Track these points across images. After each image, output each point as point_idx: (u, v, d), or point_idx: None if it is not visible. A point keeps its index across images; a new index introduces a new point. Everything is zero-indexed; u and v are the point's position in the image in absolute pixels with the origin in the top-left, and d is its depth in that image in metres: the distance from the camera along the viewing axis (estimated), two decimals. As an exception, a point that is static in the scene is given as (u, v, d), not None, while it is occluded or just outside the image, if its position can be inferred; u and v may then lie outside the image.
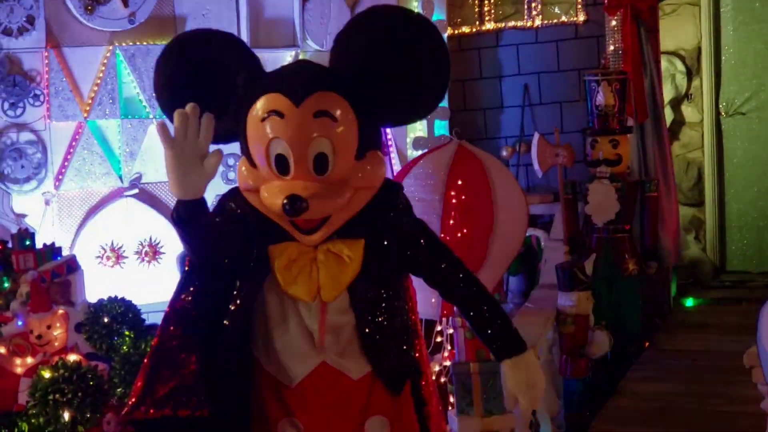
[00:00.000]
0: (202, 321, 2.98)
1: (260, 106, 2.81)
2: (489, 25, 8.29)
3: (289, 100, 2.77)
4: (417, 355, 3.15)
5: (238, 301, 2.95)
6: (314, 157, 2.78)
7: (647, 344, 7.05)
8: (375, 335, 2.92)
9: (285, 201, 2.72)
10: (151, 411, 2.92)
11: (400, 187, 3.03)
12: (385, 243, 2.91)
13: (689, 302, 8.03)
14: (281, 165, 2.81)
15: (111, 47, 6.01)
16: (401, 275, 3.05)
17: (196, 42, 2.98)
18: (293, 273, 2.86)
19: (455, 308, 3.28)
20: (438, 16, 7.28)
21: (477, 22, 8.32)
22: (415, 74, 2.83)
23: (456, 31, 8.21)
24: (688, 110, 8.80)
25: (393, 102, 2.87)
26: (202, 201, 2.78)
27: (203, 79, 2.93)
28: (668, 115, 8.50)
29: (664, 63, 8.37)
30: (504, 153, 8.13)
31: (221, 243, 2.91)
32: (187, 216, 2.76)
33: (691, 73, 8.75)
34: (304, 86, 2.79)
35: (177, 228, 2.81)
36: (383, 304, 2.92)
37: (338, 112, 2.78)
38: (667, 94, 8.50)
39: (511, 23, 8.23)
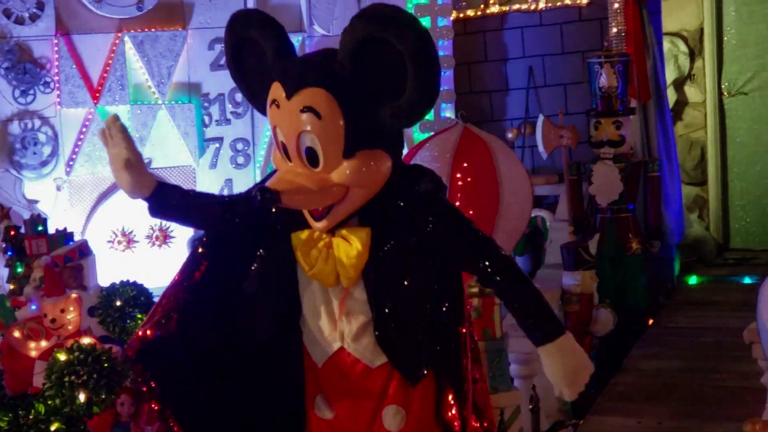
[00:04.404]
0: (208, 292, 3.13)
1: (270, 92, 2.89)
2: (494, 8, 8.33)
3: (284, 91, 2.84)
4: (445, 348, 3.02)
5: (257, 278, 3.05)
6: (304, 150, 2.84)
7: (651, 322, 7.11)
8: (389, 325, 2.93)
9: (255, 192, 2.80)
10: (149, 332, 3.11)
11: (420, 175, 2.96)
12: (398, 233, 2.90)
13: (692, 280, 8.09)
14: (286, 152, 2.90)
15: (120, 34, 6.07)
16: (422, 266, 2.95)
17: (235, 22, 3.03)
18: (312, 258, 2.93)
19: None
20: (443, -1, 7.35)
21: (482, 6, 8.36)
22: (402, 79, 2.74)
23: (461, 15, 8.25)
24: (690, 90, 8.84)
25: (383, 104, 2.80)
26: (157, 192, 2.95)
27: (245, 57, 3.03)
28: (671, 95, 8.54)
29: (666, 44, 8.40)
30: (509, 135, 8.18)
31: (226, 217, 3.07)
32: (154, 210, 2.97)
33: (694, 53, 8.79)
34: (295, 80, 2.83)
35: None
36: (399, 294, 2.92)
37: (324, 109, 2.79)
38: (670, 74, 8.55)
39: (516, 6, 8.27)
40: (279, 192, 2.79)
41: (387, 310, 2.92)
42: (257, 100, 3.00)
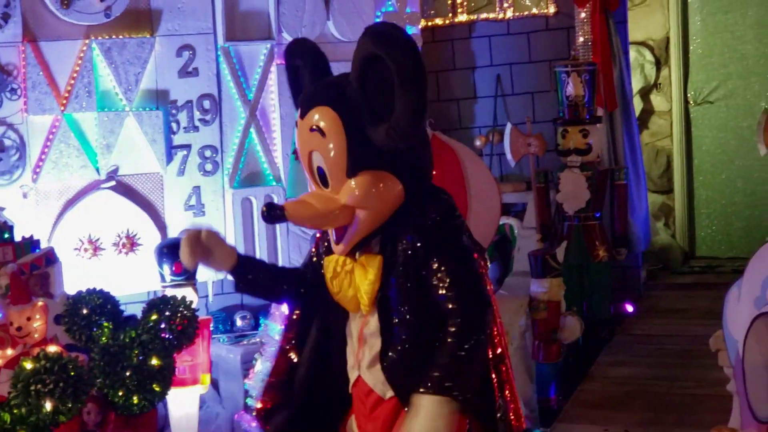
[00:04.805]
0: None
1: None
2: (462, 17, 8.36)
3: (300, 111, 2.92)
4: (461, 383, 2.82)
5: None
6: (317, 169, 2.89)
7: (618, 329, 7.16)
8: (394, 356, 2.90)
9: (263, 208, 2.87)
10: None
11: (433, 203, 2.91)
12: (403, 261, 2.88)
13: (659, 287, 8.15)
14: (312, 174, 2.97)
15: (87, 41, 6.03)
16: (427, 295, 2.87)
17: (287, 51, 3.12)
18: (338, 283, 2.98)
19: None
20: (412, 8, 7.36)
21: (450, 14, 8.39)
22: (390, 96, 2.73)
23: (429, 23, 8.28)
24: (657, 99, 8.93)
25: (380, 123, 2.78)
26: (239, 267, 3.08)
27: (298, 84, 3.08)
28: (637, 104, 8.62)
29: (633, 53, 8.48)
30: (477, 143, 8.21)
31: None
32: (238, 285, 3.12)
33: (660, 63, 8.88)
34: (307, 100, 2.90)
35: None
36: (406, 325, 2.88)
37: (328, 127, 2.82)
38: (636, 83, 8.63)
39: (484, 15, 8.30)
40: (284, 208, 2.85)
41: (394, 340, 2.90)
42: None
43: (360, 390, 3.03)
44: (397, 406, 2.94)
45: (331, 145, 2.83)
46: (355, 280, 2.93)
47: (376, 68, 2.75)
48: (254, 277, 3.13)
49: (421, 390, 2.76)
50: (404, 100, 2.72)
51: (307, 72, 3.01)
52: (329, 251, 3.03)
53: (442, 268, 2.83)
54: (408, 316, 2.88)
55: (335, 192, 2.86)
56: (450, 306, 2.82)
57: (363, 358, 2.99)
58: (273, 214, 2.85)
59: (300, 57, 3.06)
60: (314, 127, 2.85)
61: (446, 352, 2.78)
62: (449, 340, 2.79)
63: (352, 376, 3.05)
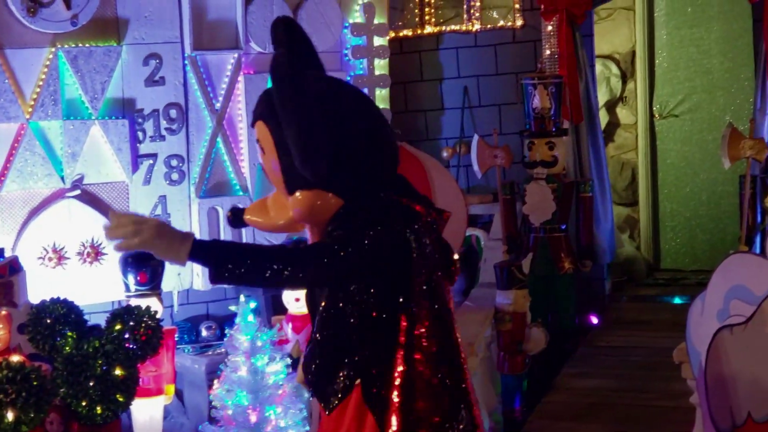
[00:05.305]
0: None
1: None
2: (429, 29, 8.39)
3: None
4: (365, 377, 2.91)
5: None
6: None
7: (582, 341, 7.19)
8: (313, 354, 2.97)
9: (228, 213, 3.00)
10: None
11: (352, 216, 2.89)
12: None
13: (623, 299, 8.19)
14: None
15: (54, 49, 6.00)
16: (347, 293, 2.90)
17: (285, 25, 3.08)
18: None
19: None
20: (380, 19, 7.37)
21: (418, 26, 8.41)
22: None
23: (397, 34, 8.30)
24: (622, 113, 8.99)
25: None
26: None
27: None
28: (603, 117, 8.67)
29: (599, 66, 8.53)
30: (444, 154, 8.23)
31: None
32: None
33: (626, 76, 8.94)
34: (254, 113, 2.97)
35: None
36: (323, 323, 2.95)
37: (265, 144, 2.93)
38: (602, 96, 8.68)
39: (451, 27, 8.34)
40: (243, 211, 2.99)
41: (315, 340, 2.97)
42: None
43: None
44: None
45: (268, 161, 2.93)
46: None
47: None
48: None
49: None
50: (289, 134, 2.80)
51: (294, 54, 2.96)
52: None
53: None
54: (329, 313, 2.93)
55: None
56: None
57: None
58: (234, 219, 2.98)
59: (298, 42, 3.05)
60: (257, 140, 2.97)
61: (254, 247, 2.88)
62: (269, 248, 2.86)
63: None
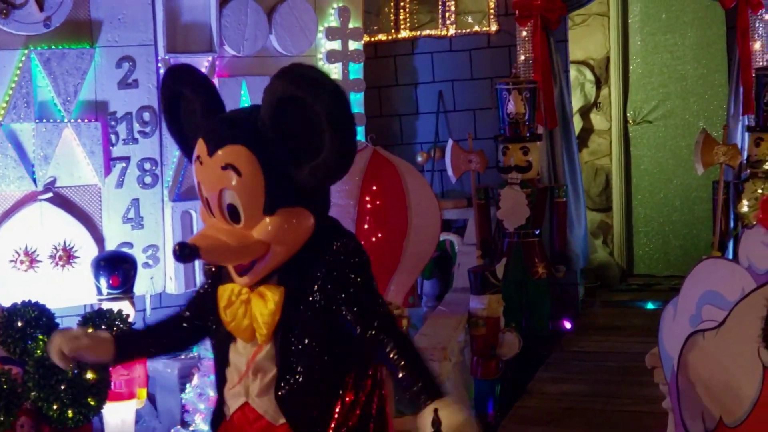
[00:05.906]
0: None
1: (195, 148, 2.95)
2: (404, 33, 8.39)
3: (207, 148, 2.90)
4: (343, 412, 2.99)
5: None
6: (226, 206, 2.88)
7: (556, 346, 7.20)
8: (292, 385, 2.93)
9: (175, 247, 2.84)
10: None
11: (339, 237, 2.96)
12: (309, 294, 2.92)
13: (597, 305, 8.21)
14: (210, 207, 2.95)
15: (26, 51, 5.96)
16: (334, 327, 2.94)
17: (168, 77, 3.16)
18: (231, 312, 2.98)
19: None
20: (355, 23, 7.37)
21: (393, 30, 8.42)
22: (319, 139, 2.79)
23: (372, 39, 8.29)
24: (596, 118, 9.02)
25: (302, 162, 2.84)
26: (119, 351, 3.15)
27: (180, 111, 3.13)
28: (577, 123, 8.70)
29: (573, 72, 8.56)
30: (419, 159, 8.23)
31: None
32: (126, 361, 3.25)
33: (600, 82, 8.97)
34: (217, 137, 2.89)
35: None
36: (305, 356, 2.92)
37: (244, 167, 2.84)
38: (576, 102, 8.70)
39: (426, 32, 8.34)
40: (199, 248, 2.84)
41: (291, 370, 2.93)
42: (189, 152, 3.03)
43: (245, 417, 3.04)
44: (288, 430, 2.97)
45: (247, 184, 2.85)
46: (252, 310, 2.95)
47: (294, 109, 2.79)
48: (139, 348, 3.28)
49: (425, 404, 2.80)
50: (336, 143, 2.77)
51: (198, 103, 3.03)
52: (221, 280, 3.05)
53: (356, 307, 2.91)
54: (310, 347, 2.91)
55: (248, 228, 2.88)
56: (379, 337, 2.89)
57: (252, 386, 3.00)
58: (185, 252, 2.84)
59: (190, 86, 3.08)
60: (227, 165, 2.85)
61: (409, 368, 2.86)
62: (402, 362, 2.86)
63: (236, 401, 3.06)
